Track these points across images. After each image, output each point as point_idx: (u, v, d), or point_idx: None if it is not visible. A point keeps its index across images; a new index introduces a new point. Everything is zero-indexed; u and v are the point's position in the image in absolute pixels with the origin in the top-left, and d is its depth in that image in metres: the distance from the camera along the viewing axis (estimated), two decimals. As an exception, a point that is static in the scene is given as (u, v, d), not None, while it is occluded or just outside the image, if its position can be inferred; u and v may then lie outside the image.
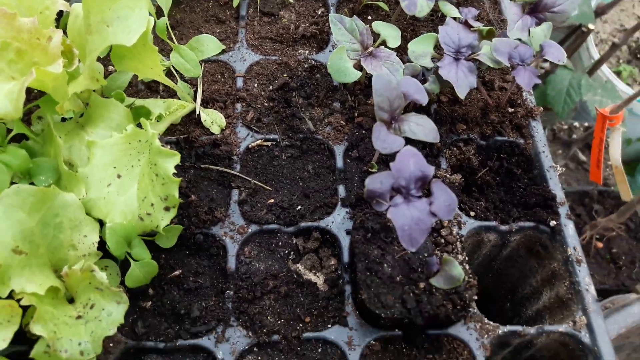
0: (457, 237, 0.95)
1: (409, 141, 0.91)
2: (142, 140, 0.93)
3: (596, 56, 2.43)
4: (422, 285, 0.87)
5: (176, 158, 0.86)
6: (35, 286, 0.78)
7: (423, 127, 0.92)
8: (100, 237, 0.87)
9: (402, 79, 0.95)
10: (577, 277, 0.98)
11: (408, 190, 0.79)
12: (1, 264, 0.75)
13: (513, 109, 1.18)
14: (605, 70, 2.39)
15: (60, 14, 1.03)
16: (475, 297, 0.88)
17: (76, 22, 0.96)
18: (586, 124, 2.46)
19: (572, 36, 2.38)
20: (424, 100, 0.94)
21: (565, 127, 2.51)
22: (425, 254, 0.91)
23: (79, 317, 0.80)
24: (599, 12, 2.28)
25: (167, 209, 0.88)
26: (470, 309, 0.92)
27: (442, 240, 0.94)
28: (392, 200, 0.78)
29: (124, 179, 0.90)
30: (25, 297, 0.76)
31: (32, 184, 0.88)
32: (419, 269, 0.89)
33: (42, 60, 0.88)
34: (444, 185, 0.79)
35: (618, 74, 2.50)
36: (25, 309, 0.77)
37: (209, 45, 1.04)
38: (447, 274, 0.81)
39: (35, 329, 0.74)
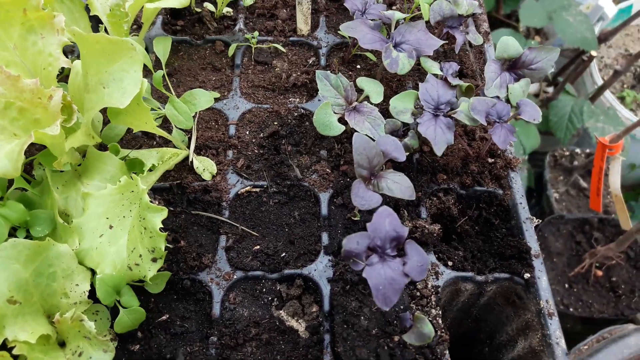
0: (432, 290, 0.99)
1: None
2: (135, 191, 0.98)
3: (600, 82, 2.44)
4: (396, 338, 0.91)
5: (163, 213, 0.91)
6: (27, 334, 0.83)
7: (399, 185, 0.97)
8: (92, 283, 0.93)
9: (381, 137, 1.00)
10: (549, 330, 1.02)
11: (384, 249, 0.83)
12: (-4, 314, 0.81)
13: (493, 160, 1.23)
14: (608, 96, 2.40)
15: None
16: (447, 352, 0.92)
17: (76, 79, 1.02)
18: (588, 151, 2.49)
19: (577, 61, 2.39)
20: (401, 157, 0.99)
21: (567, 153, 2.54)
22: (402, 307, 0.95)
23: (68, 364, 0.85)
24: (603, 38, 2.28)
25: (154, 260, 0.93)
26: None
27: (418, 294, 0.98)
28: (368, 260, 0.82)
29: (115, 230, 0.95)
30: (17, 346, 0.81)
31: (28, 233, 0.94)
32: (394, 322, 0.93)
33: (43, 117, 0.94)
34: (417, 246, 0.83)
35: (622, 99, 2.52)
36: (17, 357, 0.82)
37: (201, 98, 1.10)
38: (419, 330, 0.85)
39: (26, 377, 0.79)
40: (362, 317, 0.93)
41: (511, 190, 1.19)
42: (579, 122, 2.34)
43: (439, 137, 1.05)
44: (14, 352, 0.81)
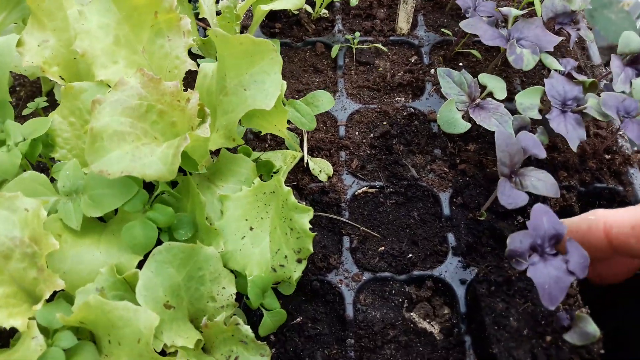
0: (578, 289, 0.96)
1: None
2: (267, 192, 0.98)
3: None
4: (548, 338, 0.89)
5: (310, 213, 0.90)
6: (184, 340, 0.83)
7: (544, 182, 0.95)
8: (233, 287, 0.92)
9: (520, 133, 0.98)
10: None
11: (543, 248, 0.81)
12: (157, 319, 0.80)
13: (610, 156, 1.20)
14: None
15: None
16: (602, 351, 0.89)
17: (205, 82, 1.02)
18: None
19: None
20: (541, 154, 0.97)
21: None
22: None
23: (224, 368, 0.85)
24: None
25: (299, 260, 0.92)
26: None
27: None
28: (529, 259, 0.80)
29: (256, 231, 0.95)
30: (179, 352, 0.81)
31: (171, 237, 0.94)
32: (543, 322, 0.91)
33: (179, 120, 0.94)
34: (576, 244, 0.81)
35: None
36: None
37: (323, 100, 1.09)
38: (582, 330, 0.82)
39: (194, 383, 0.78)
40: (512, 318, 0.90)
41: (632, 187, 1.16)
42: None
43: (572, 133, 1.03)
44: (178, 357, 0.80)
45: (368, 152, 1.21)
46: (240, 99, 0.92)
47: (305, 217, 0.90)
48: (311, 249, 0.90)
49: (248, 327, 0.85)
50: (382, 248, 1.08)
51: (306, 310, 1.03)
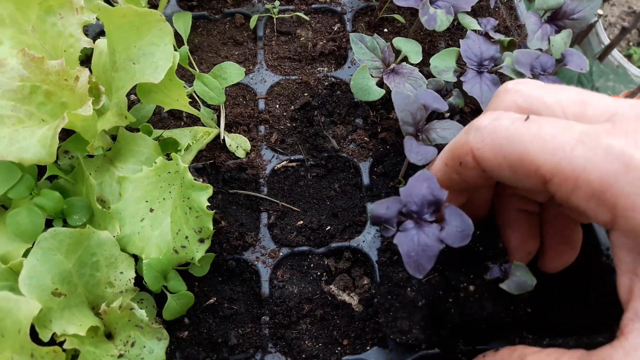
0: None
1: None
2: (172, 171, 0.94)
3: (606, 41, 2.41)
4: (471, 288, 0.85)
5: (209, 191, 0.86)
6: (76, 327, 0.79)
7: (451, 130, 0.92)
8: (135, 270, 0.89)
9: (418, 91, 0.95)
10: None
11: (420, 215, 0.78)
12: (42, 308, 0.76)
13: (536, 116, 1.17)
14: (616, 54, 2.36)
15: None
16: (529, 310, 0.86)
17: (100, 59, 0.97)
18: (600, 111, 2.44)
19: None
20: (443, 107, 0.94)
21: (579, 115, 2.49)
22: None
23: (120, 355, 0.81)
24: None
25: (201, 240, 0.88)
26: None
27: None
28: (402, 225, 0.77)
29: (156, 213, 0.91)
30: (67, 340, 0.77)
31: (65, 223, 0.90)
32: (442, 292, 0.88)
33: (70, 100, 0.89)
34: (457, 210, 0.77)
35: (629, 57, 2.48)
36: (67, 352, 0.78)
37: (231, 72, 1.05)
38: (519, 279, 0.80)
39: (82, 371, 0.75)
40: (409, 289, 0.87)
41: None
42: (588, 82, 2.29)
43: (486, 94, 1.00)
44: (65, 346, 0.77)
45: (288, 125, 1.17)
46: (130, 73, 0.88)
47: (203, 194, 0.86)
48: (211, 227, 0.87)
49: (143, 311, 0.81)
50: (301, 222, 1.05)
51: (222, 291, 1.00)
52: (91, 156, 0.97)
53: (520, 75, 1.02)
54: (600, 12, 2.06)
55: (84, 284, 0.84)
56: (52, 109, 0.89)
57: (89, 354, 0.78)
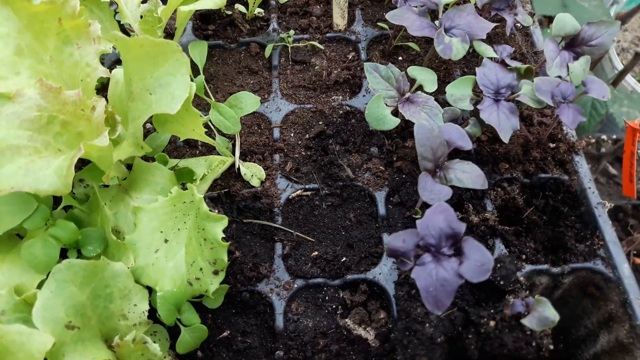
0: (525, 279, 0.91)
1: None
2: (187, 202, 0.93)
3: (619, 66, 2.40)
4: (492, 324, 0.83)
5: (224, 222, 0.85)
6: (89, 361, 0.78)
7: (469, 174, 0.90)
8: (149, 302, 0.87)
9: (444, 126, 0.94)
10: (638, 321, 0.94)
11: (438, 248, 0.76)
12: (55, 342, 0.75)
13: (554, 144, 1.16)
14: (629, 80, 2.35)
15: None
16: (551, 347, 0.84)
17: (117, 88, 0.98)
18: (614, 137, 2.42)
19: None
20: (467, 146, 0.93)
21: (593, 140, 2.46)
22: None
23: (133, 390, 0.80)
24: (619, 20, 2.26)
25: (215, 272, 0.87)
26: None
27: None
28: (419, 259, 0.76)
29: (171, 244, 0.90)
30: (81, 374, 0.76)
31: (79, 253, 0.89)
32: (460, 328, 0.85)
33: (86, 130, 0.89)
34: (476, 243, 0.76)
35: (643, 82, 2.45)
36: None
37: (247, 101, 1.05)
38: (541, 314, 0.78)
39: (93, 407, 0.73)
40: (427, 325, 0.85)
41: (577, 175, 1.12)
42: (602, 108, 2.27)
43: (504, 123, 0.98)
44: (78, 380, 0.75)
45: (303, 153, 1.16)
46: (146, 104, 0.87)
47: (218, 226, 0.85)
48: (226, 259, 0.86)
49: (156, 345, 0.79)
50: (316, 253, 1.04)
51: (236, 323, 0.98)
52: (106, 186, 0.97)
53: (540, 103, 1.01)
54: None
55: (97, 316, 0.83)
56: (68, 139, 0.89)
57: (101, 389, 0.77)
